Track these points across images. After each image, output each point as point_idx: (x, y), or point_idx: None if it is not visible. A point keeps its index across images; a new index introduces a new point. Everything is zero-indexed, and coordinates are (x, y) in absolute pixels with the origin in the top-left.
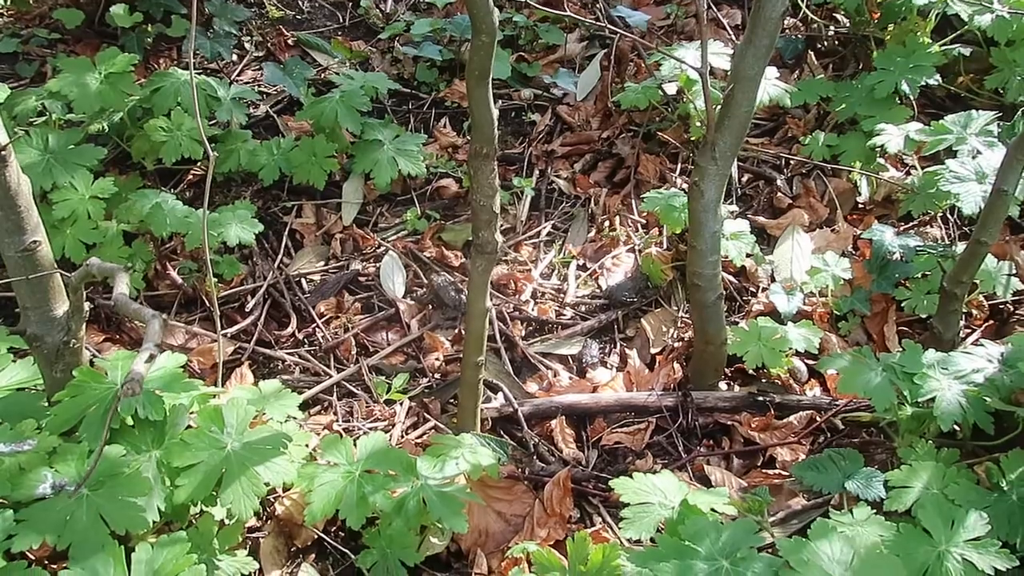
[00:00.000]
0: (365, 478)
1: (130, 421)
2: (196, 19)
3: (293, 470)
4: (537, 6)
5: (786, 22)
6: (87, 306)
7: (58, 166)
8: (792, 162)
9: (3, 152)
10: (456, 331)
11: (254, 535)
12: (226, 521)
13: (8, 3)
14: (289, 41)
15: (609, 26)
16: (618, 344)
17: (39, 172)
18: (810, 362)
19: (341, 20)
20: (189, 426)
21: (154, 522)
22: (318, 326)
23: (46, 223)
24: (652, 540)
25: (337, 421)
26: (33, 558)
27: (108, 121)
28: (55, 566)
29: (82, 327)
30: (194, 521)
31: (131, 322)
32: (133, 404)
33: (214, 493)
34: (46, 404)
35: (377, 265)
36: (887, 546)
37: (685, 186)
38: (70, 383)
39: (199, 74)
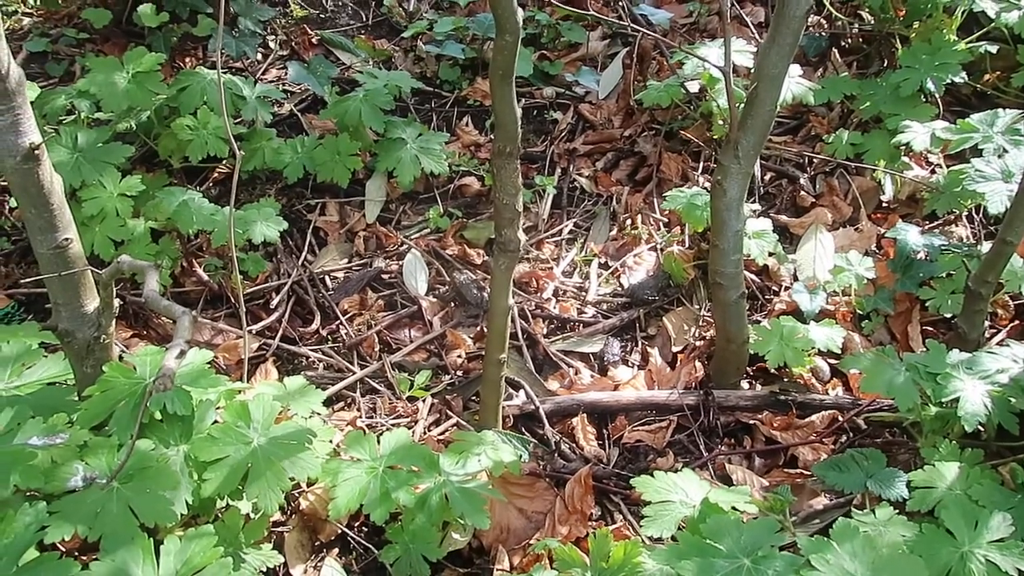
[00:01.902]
0: (388, 474)
1: (158, 416)
2: (222, 18)
3: (317, 465)
4: (560, 4)
5: (810, 19)
6: (117, 303)
7: (87, 164)
8: (815, 160)
9: (37, 151)
10: (478, 329)
11: (279, 529)
12: (252, 515)
13: (38, 3)
14: (313, 40)
15: (631, 24)
16: (640, 342)
17: (68, 170)
18: (832, 361)
19: (364, 19)
20: (216, 421)
21: (182, 515)
22: (342, 323)
23: (75, 220)
24: (673, 538)
25: (360, 417)
26: (64, 549)
27: (135, 120)
28: (85, 557)
29: (112, 323)
30: (220, 515)
31: (158, 318)
32: (162, 399)
33: (240, 487)
34: (77, 398)
35: (400, 263)
36: (909, 547)
37: (707, 185)
38: (100, 378)
39: (224, 73)
